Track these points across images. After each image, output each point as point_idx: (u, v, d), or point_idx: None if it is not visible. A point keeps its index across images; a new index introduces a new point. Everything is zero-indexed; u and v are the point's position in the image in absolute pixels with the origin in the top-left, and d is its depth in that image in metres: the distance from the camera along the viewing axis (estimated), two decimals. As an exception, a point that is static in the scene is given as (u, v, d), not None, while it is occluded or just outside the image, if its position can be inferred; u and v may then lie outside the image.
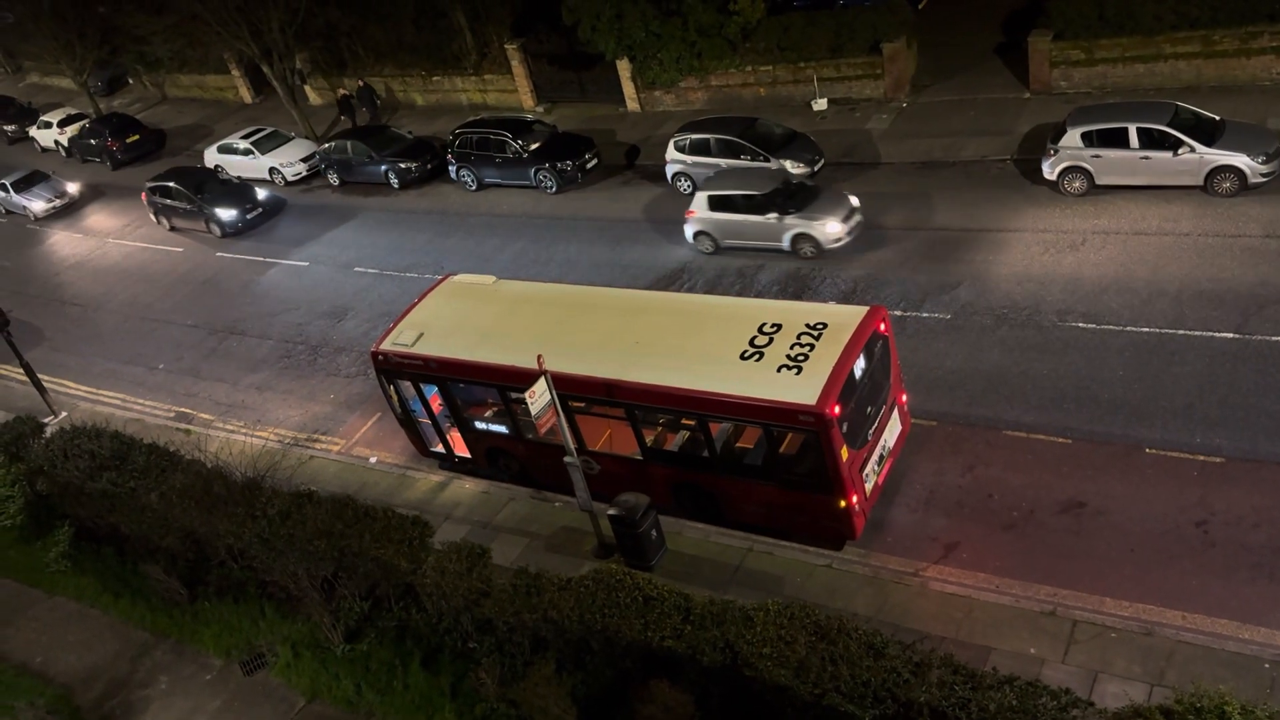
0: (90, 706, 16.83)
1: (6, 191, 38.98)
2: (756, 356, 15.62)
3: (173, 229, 34.47)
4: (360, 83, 38.27)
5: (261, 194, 33.91)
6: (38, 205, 38.30)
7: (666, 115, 32.56)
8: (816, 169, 26.26)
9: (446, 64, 37.66)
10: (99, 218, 38.15)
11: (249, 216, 32.98)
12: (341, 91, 38.51)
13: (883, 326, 16.14)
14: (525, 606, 14.31)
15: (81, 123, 44.44)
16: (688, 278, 24.06)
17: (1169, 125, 21.26)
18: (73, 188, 39.12)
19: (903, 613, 14.74)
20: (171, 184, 34.05)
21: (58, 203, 38.60)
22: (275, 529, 16.39)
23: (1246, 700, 10.36)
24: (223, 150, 37.35)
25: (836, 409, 14.49)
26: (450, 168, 31.84)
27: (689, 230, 24.84)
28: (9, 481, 20.42)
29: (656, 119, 32.62)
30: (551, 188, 29.86)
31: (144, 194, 34.71)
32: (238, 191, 33.93)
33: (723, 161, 26.63)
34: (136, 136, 42.25)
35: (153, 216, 35.10)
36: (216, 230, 33.01)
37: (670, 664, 13.17)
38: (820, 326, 15.78)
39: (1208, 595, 13.85)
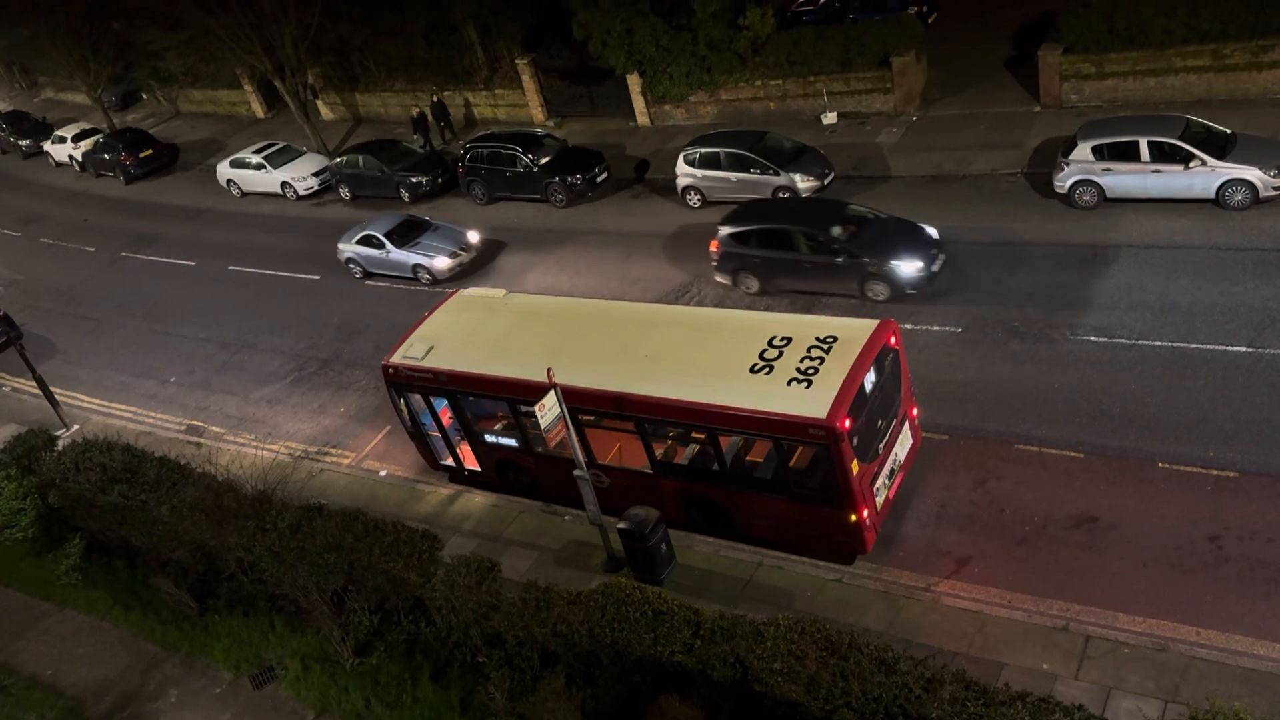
0: (100, 719, 16.83)
1: (381, 248, 27.97)
2: (766, 370, 15.59)
3: (761, 292, 22.94)
4: (433, 98, 36.79)
5: (932, 231, 22.33)
6: (441, 263, 27.16)
7: (676, 129, 32.65)
8: (826, 183, 26.28)
9: (458, 79, 37.84)
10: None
11: (935, 268, 21.53)
12: (415, 109, 36.83)
13: (893, 340, 16.11)
14: (535, 620, 14.28)
15: (95, 138, 44.74)
16: (697, 291, 24.06)
17: (1180, 139, 21.22)
18: (474, 236, 28.29)
19: (914, 628, 14.66)
20: (791, 228, 22.20)
21: (464, 257, 27.61)
22: (285, 542, 16.40)
23: (1263, 716, 10.28)
24: (235, 164, 37.58)
25: (847, 422, 14.44)
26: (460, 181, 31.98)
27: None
28: (21, 494, 20.50)
29: (666, 133, 32.70)
30: (561, 201, 29.93)
31: (715, 244, 23.17)
32: (906, 232, 22.08)
33: (732, 175, 26.70)
34: (150, 151, 42.51)
35: (724, 277, 23.38)
36: (882, 292, 21.46)
37: (680, 679, 13.12)
38: (830, 340, 15.75)
39: (1222, 610, 13.73)
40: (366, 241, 28.29)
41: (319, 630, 16.23)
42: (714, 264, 23.47)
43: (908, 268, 21.12)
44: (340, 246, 28.98)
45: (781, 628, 12.78)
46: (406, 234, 28.02)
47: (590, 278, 25.87)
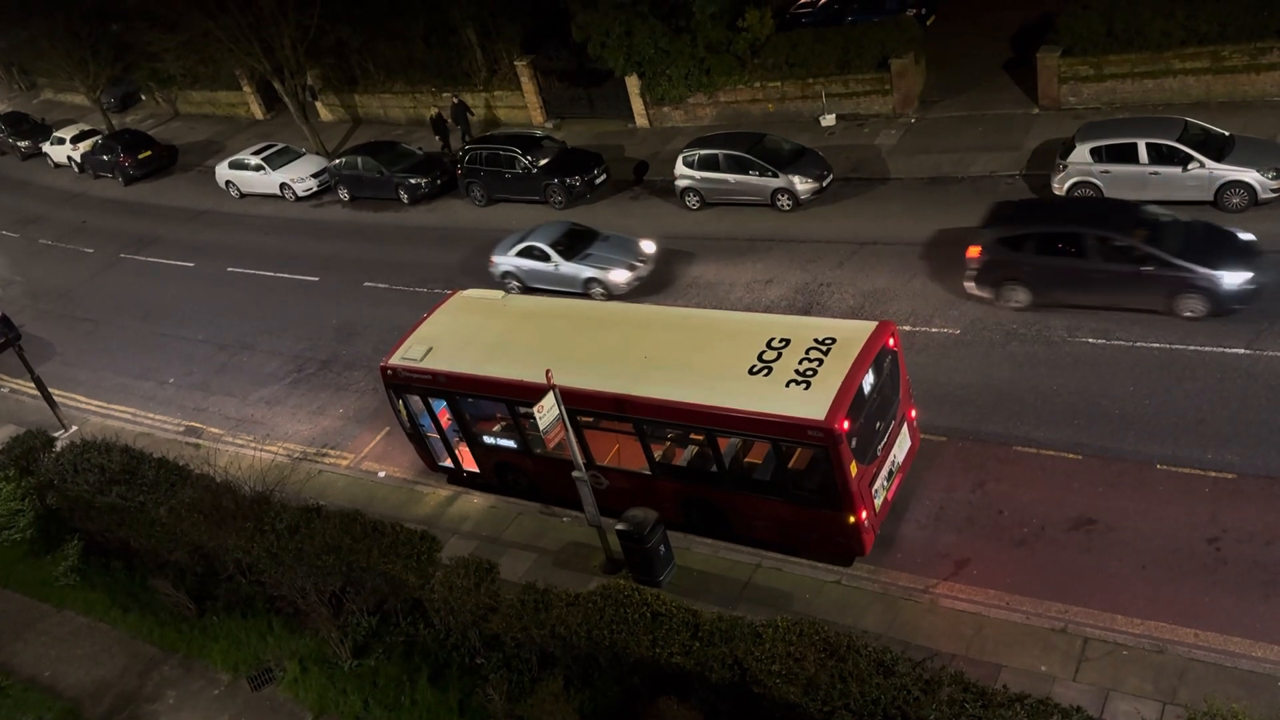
0: (98, 721, 16.86)
1: (546, 260, 25.04)
2: (765, 371, 15.59)
3: (1033, 305, 20.02)
4: (454, 99, 35.88)
5: (1247, 235, 19.25)
6: (619, 276, 24.27)
7: (675, 131, 32.67)
8: (825, 184, 26.30)
9: (457, 80, 37.84)
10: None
11: (1263, 279, 18.36)
12: (434, 110, 36.46)
13: (892, 341, 16.12)
14: (533, 622, 14.28)
15: (94, 139, 44.74)
16: (696, 292, 24.06)
17: (1178, 141, 21.26)
18: (649, 246, 25.36)
19: (913, 629, 14.67)
20: (1083, 232, 19.25)
21: (642, 269, 24.69)
22: (283, 543, 16.40)
23: (1260, 718, 10.28)
24: (234, 166, 37.58)
25: (845, 424, 14.45)
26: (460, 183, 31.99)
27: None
28: (19, 495, 20.46)
29: (665, 135, 32.72)
30: (560, 203, 29.94)
31: (976, 249, 20.17)
32: (1218, 237, 19.12)
33: (731, 177, 26.73)
34: (149, 152, 42.50)
35: (983, 288, 20.47)
36: (1199, 308, 18.53)
37: (679, 681, 13.12)
38: (829, 341, 15.76)
39: (1220, 613, 13.74)
40: (529, 254, 25.41)
41: (317, 632, 16.22)
42: (971, 273, 20.45)
43: (1233, 279, 18.08)
44: (496, 259, 26.13)
45: (780, 629, 12.78)
46: (573, 244, 25.18)
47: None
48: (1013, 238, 20.02)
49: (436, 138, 35.87)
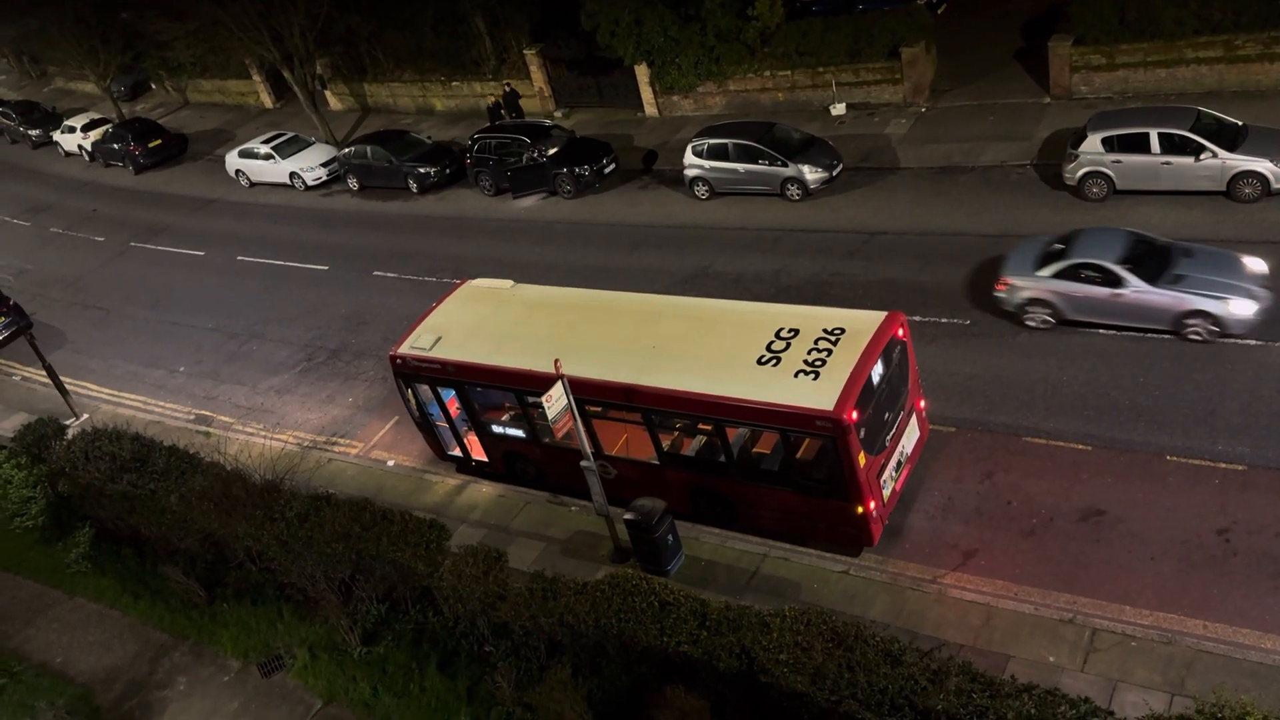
0: (109, 707, 16.94)
1: (1116, 284, 18.26)
2: (774, 361, 15.58)
3: None
4: (506, 87, 35.82)
5: None
6: (1242, 308, 17.47)
7: (684, 120, 32.58)
8: (835, 174, 26.22)
9: (466, 69, 37.83)
10: None
11: None
12: (491, 98, 36.49)
13: (901, 332, 16.07)
14: (541, 610, 14.32)
15: (105, 127, 44.86)
16: (705, 282, 24.04)
17: (1191, 130, 21.11)
18: (1258, 264, 18.44)
19: (920, 620, 14.68)
20: None
21: (1266, 300, 17.72)
22: (293, 531, 16.48)
23: (1269, 710, 10.26)
24: (244, 155, 37.64)
25: (854, 414, 14.43)
26: (469, 172, 31.98)
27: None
28: (31, 483, 20.61)
29: (674, 124, 32.64)
30: (569, 192, 29.91)
31: None
32: None
33: (740, 166, 26.67)
34: (159, 141, 42.60)
35: None
36: None
37: (686, 670, 13.14)
38: (838, 331, 15.73)
39: (1229, 604, 13.71)
40: (1075, 275, 18.61)
41: (327, 619, 16.30)
42: None
43: None
44: (1015, 282, 19.25)
45: (788, 619, 12.79)
46: (1147, 261, 18.28)
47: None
48: None
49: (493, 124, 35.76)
